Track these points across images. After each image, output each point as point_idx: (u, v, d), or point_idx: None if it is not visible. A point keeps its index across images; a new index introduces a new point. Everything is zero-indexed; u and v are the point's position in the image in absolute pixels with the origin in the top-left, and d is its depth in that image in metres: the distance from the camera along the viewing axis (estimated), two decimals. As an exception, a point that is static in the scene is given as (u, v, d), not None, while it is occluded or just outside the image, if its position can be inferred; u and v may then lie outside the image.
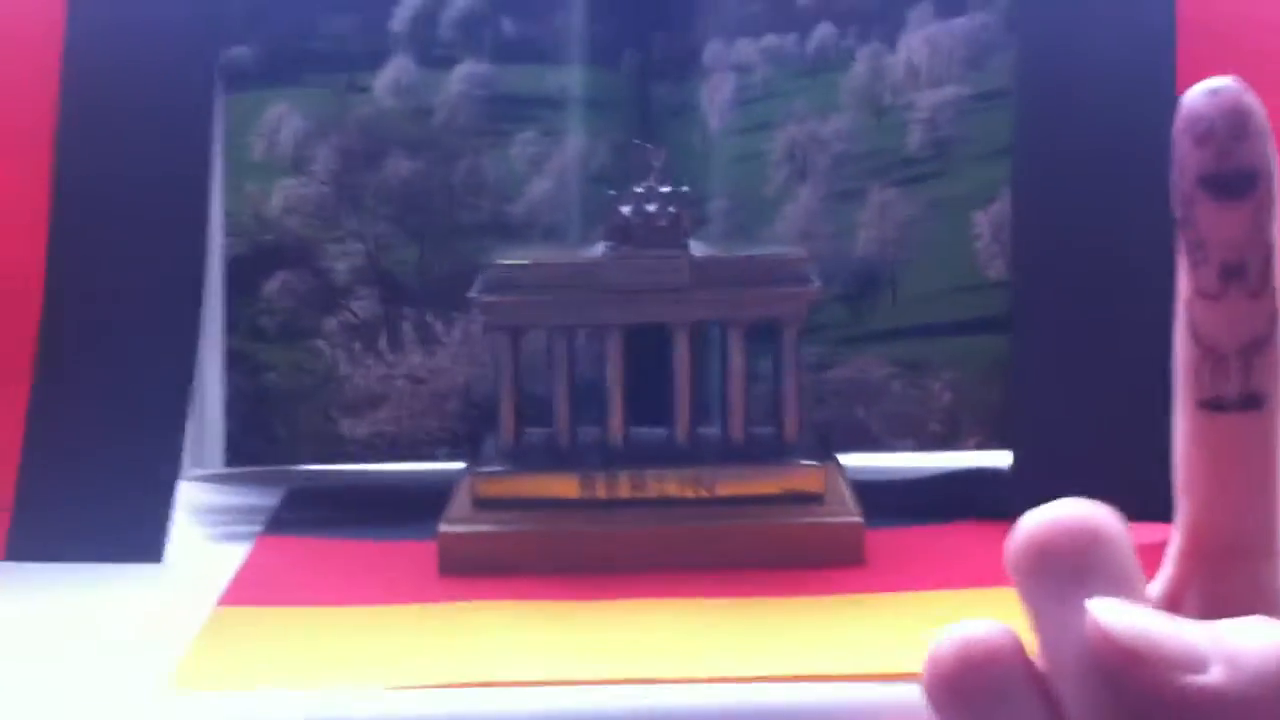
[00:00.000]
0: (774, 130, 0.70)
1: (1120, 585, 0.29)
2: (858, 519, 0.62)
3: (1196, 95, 0.31)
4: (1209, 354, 0.31)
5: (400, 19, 0.69)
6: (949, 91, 0.68)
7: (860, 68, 0.69)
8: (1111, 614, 0.28)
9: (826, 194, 0.70)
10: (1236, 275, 0.31)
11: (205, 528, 0.67)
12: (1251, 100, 0.31)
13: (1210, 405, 0.31)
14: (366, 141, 0.69)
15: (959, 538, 0.64)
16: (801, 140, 0.70)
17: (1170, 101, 0.68)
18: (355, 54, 0.69)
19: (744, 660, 0.52)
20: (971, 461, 0.70)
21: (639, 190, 0.63)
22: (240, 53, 0.69)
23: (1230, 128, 0.30)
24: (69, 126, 0.65)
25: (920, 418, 0.70)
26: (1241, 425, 0.31)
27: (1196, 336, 0.31)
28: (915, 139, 0.69)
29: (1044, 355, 0.65)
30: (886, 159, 0.69)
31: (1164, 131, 0.65)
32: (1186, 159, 0.31)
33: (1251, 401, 0.31)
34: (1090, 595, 0.28)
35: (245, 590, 0.60)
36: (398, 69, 0.69)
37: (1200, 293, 0.31)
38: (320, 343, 0.70)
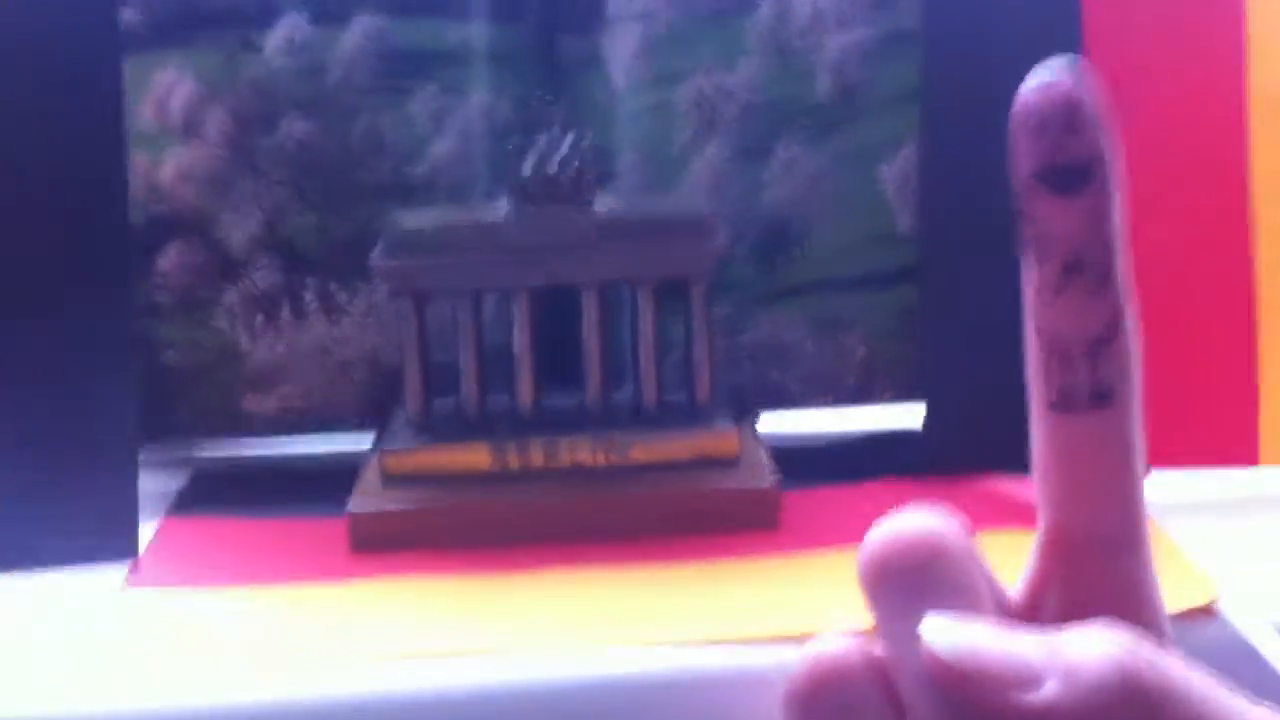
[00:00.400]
0: (680, 82, 0.68)
1: (964, 598, 0.29)
2: (773, 482, 0.62)
3: (1029, 86, 0.30)
4: (1055, 352, 0.31)
5: (291, -27, 0.67)
6: (856, 34, 0.67)
7: (766, 11, 0.67)
8: (942, 634, 0.28)
9: (735, 147, 0.68)
10: (1077, 271, 0.30)
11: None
12: (1085, 90, 0.30)
13: (1060, 405, 0.31)
14: (260, 103, 0.67)
15: (874, 496, 0.63)
16: (709, 91, 0.68)
17: (1077, 47, 0.67)
18: (245, 12, 0.67)
19: (659, 627, 0.52)
20: (887, 420, 0.69)
21: (540, 146, 0.61)
22: (126, 15, 0.66)
23: (1063, 120, 0.29)
24: None
25: (835, 373, 0.69)
26: (1093, 423, 0.30)
27: (1042, 333, 0.31)
28: (823, 85, 0.67)
29: (953, 308, 0.64)
30: (794, 107, 0.68)
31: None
32: (1021, 153, 0.30)
33: (1101, 399, 0.30)
34: (930, 610, 0.28)
35: (153, 572, 0.58)
36: (290, 26, 0.67)
37: (1043, 289, 0.30)
38: (220, 316, 0.68)
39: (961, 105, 0.64)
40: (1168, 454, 0.63)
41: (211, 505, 0.65)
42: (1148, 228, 0.61)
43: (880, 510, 0.63)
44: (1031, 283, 0.31)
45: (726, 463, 0.62)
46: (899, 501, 0.61)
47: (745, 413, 0.68)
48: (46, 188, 0.60)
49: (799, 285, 0.69)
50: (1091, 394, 0.30)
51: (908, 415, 0.68)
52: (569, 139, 0.61)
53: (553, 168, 0.61)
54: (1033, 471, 0.31)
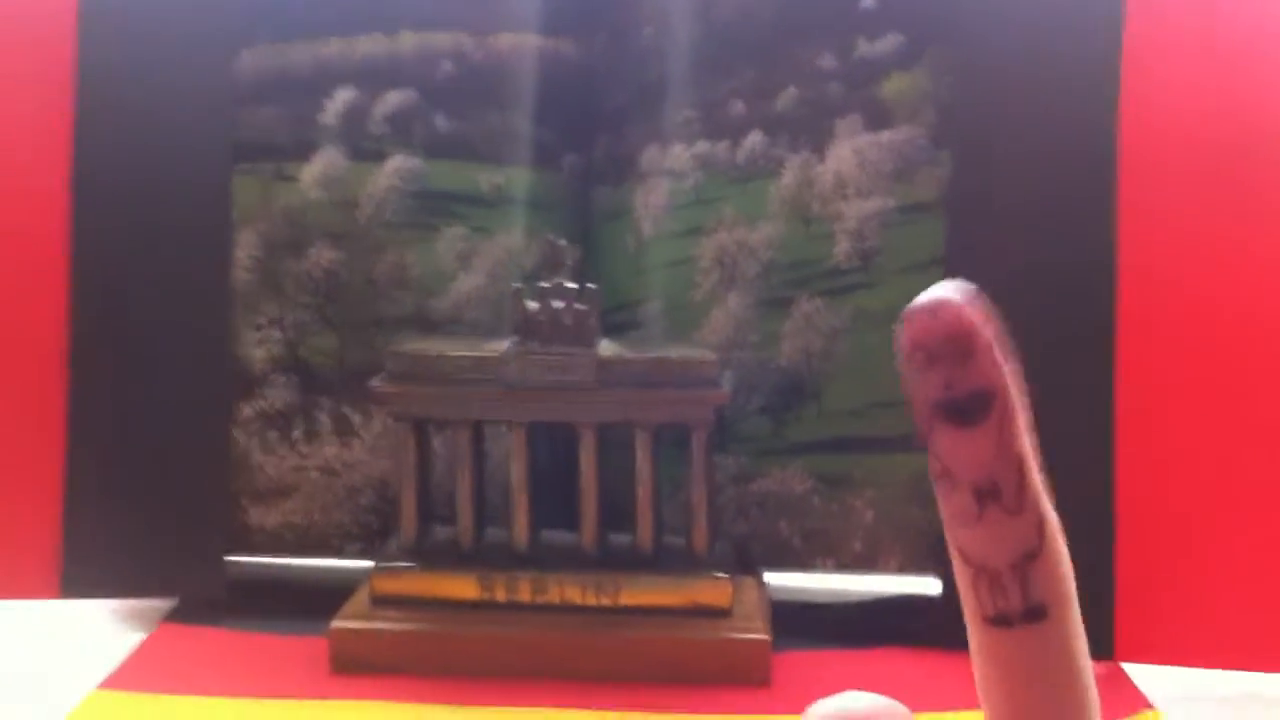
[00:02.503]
0: (704, 236, 0.70)
1: None
2: (764, 637, 0.61)
3: (917, 315, 0.28)
4: (982, 572, 0.30)
5: (331, 112, 0.70)
6: (875, 203, 0.68)
7: (789, 177, 0.69)
8: None
9: (754, 301, 0.69)
10: (992, 496, 0.29)
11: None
12: (973, 315, 0.28)
13: (994, 621, 0.30)
14: (291, 230, 0.69)
15: (875, 663, 0.62)
16: (730, 247, 0.69)
17: (1109, 226, 0.67)
18: (283, 144, 0.69)
19: None
20: (898, 587, 0.68)
21: (546, 286, 0.62)
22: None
23: (955, 352, 0.28)
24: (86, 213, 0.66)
25: (842, 534, 0.68)
26: (1028, 637, 0.30)
27: (965, 558, 0.30)
28: (842, 249, 0.68)
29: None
30: (813, 269, 0.69)
31: (1101, 256, 0.64)
32: (916, 386, 0.28)
33: (1034, 614, 0.30)
34: None
35: (129, 676, 0.58)
36: (326, 160, 0.69)
37: (961, 516, 0.30)
38: (234, 430, 0.69)
39: (983, 274, 0.64)
40: (1210, 655, 0.61)
41: (208, 615, 0.65)
42: (1193, 422, 0.61)
43: (878, 675, 0.62)
44: (947, 509, 0.29)
45: (718, 612, 0.62)
46: (903, 670, 0.60)
47: (747, 566, 0.67)
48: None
49: (810, 441, 0.69)
50: (1025, 612, 0.30)
51: (917, 588, 0.67)
52: (574, 282, 0.62)
53: (557, 308, 0.62)
54: (976, 682, 0.31)
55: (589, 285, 0.62)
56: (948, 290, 0.28)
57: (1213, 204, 0.63)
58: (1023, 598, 0.30)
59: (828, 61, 0.69)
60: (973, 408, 0.28)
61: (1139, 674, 0.61)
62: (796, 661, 0.62)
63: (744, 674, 0.60)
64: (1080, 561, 0.66)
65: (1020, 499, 0.30)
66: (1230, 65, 0.64)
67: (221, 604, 0.66)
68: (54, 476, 0.64)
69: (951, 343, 0.28)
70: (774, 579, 0.68)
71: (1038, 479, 0.30)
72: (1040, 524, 0.30)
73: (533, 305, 0.62)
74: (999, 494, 0.29)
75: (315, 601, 0.63)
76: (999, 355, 0.28)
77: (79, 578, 0.64)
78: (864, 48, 0.68)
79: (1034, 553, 0.30)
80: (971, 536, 0.30)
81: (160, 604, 0.66)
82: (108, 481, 0.65)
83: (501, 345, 0.62)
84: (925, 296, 0.28)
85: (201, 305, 0.67)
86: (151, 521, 0.65)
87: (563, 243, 0.63)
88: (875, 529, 0.68)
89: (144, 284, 0.66)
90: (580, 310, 0.62)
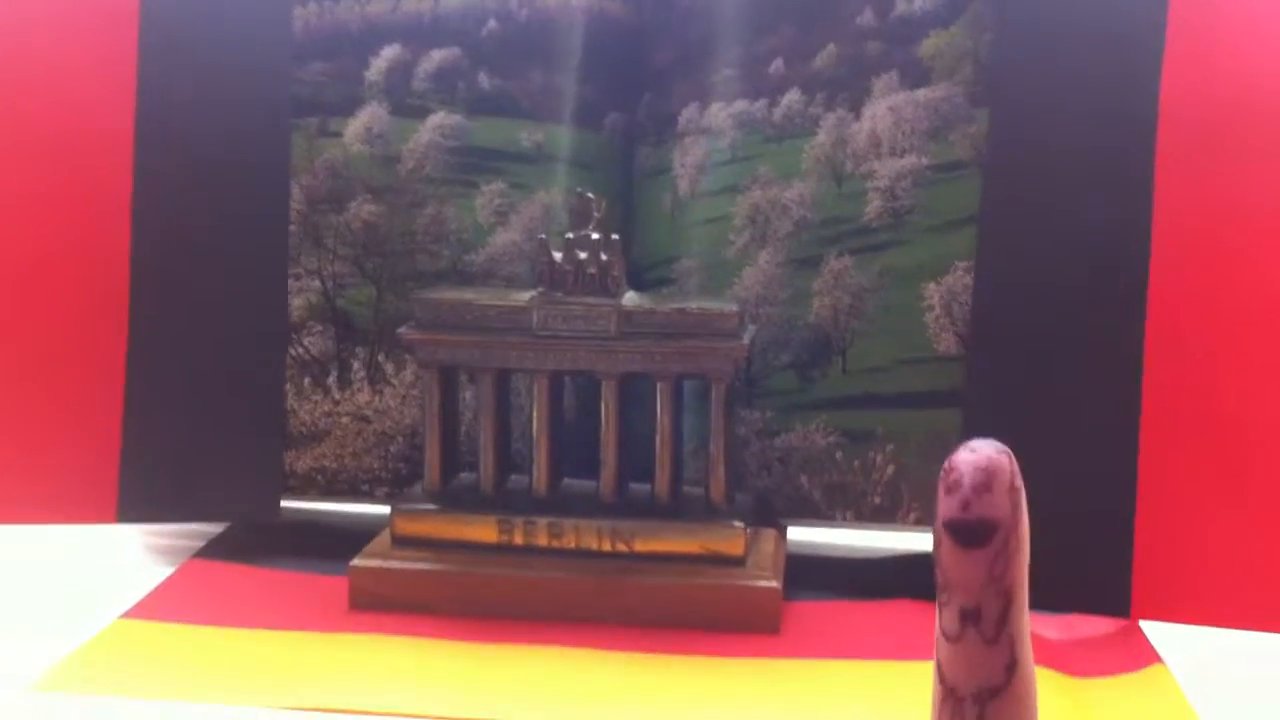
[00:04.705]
0: (739, 194, 0.70)
1: None
2: (774, 585, 0.61)
3: (958, 451, 0.35)
4: (950, 694, 0.34)
5: (376, 69, 0.71)
6: (909, 161, 0.68)
7: (824, 135, 0.69)
8: None
9: (785, 259, 0.69)
10: (973, 620, 0.34)
11: (149, 552, 0.69)
12: (1003, 461, 0.35)
13: None
14: (333, 184, 0.71)
15: (887, 613, 0.62)
16: (764, 205, 0.70)
17: (1147, 184, 0.66)
18: (330, 100, 0.71)
19: (634, 713, 0.52)
20: (914, 542, 0.68)
21: (571, 237, 0.63)
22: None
23: (976, 482, 0.34)
24: (149, 144, 0.68)
25: (862, 489, 0.68)
26: None
27: (941, 675, 0.34)
28: (874, 207, 0.68)
29: (998, 433, 0.64)
30: (844, 226, 0.69)
31: (1137, 214, 0.64)
32: (938, 504, 0.35)
33: None
34: None
35: (152, 607, 0.61)
36: (370, 116, 0.71)
37: (944, 633, 0.34)
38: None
39: (1017, 233, 0.64)
40: (1226, 614, 0.61)
41: (237, 553, 0.67)
42: (1220, 381, 0.60)
43: (885, 625, 0.62)
44: (938, 622, 0.34)
45: (732, 561, 0.62)
46: (914, 620, 0.60)
47: (767, 518, 0.67)
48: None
49: (835, 397, 0.69)
50: None
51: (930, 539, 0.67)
52: (600, 233, 0.63)
53: (581, 258, 0.63)
54: None
55: (613, 236, 0.63)
56: (989, 441, 0.35)
57: (1250, 165, 0.62)
58: None
59: (867, 19, 0.69)
60: (978, 533, 0.34)
61: (1155, 631, 0.60)
62: (808, 611, 0.62)
63: (755, 621, 0.61)
64: (1100, 519, 0.66)
65: (998, 631, 0.34)
66: (1275, 25, 0.63)
67: (272, 531, 0.69)
68: (114, 404, 0.67)
69: (978, 474, 0.34)
70: (794, 533, 0.69)
71: (1022, 622, 0.33)
72: (1011, 664, 0.34)
73: (558, 255, 0.63)
74: (980, 619, 0.34)
75: (342, 544, 0.65)
76: (1014, 501, 0.34)
77: (136, 503, 0.67)
78: (903, 6, 0.68)
79: (998, 688, 0.34)
80: (949, 654, 0.34)
81: (213, 529, 0.70)
82: (167, 412, 0.67)
83: (525, 296, 0.63)
84: (972, 440, 0.35)
85: (258, 248, 0.69)
86: (207, 454, 0.68)
87: (590, 195, 0.64)
88: (894, 483, 0.68)
89: (205, 226, 0.68)
90: (604, 261, 0.63)
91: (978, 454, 0.34)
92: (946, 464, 0.35)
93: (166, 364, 0.67)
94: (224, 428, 0.68)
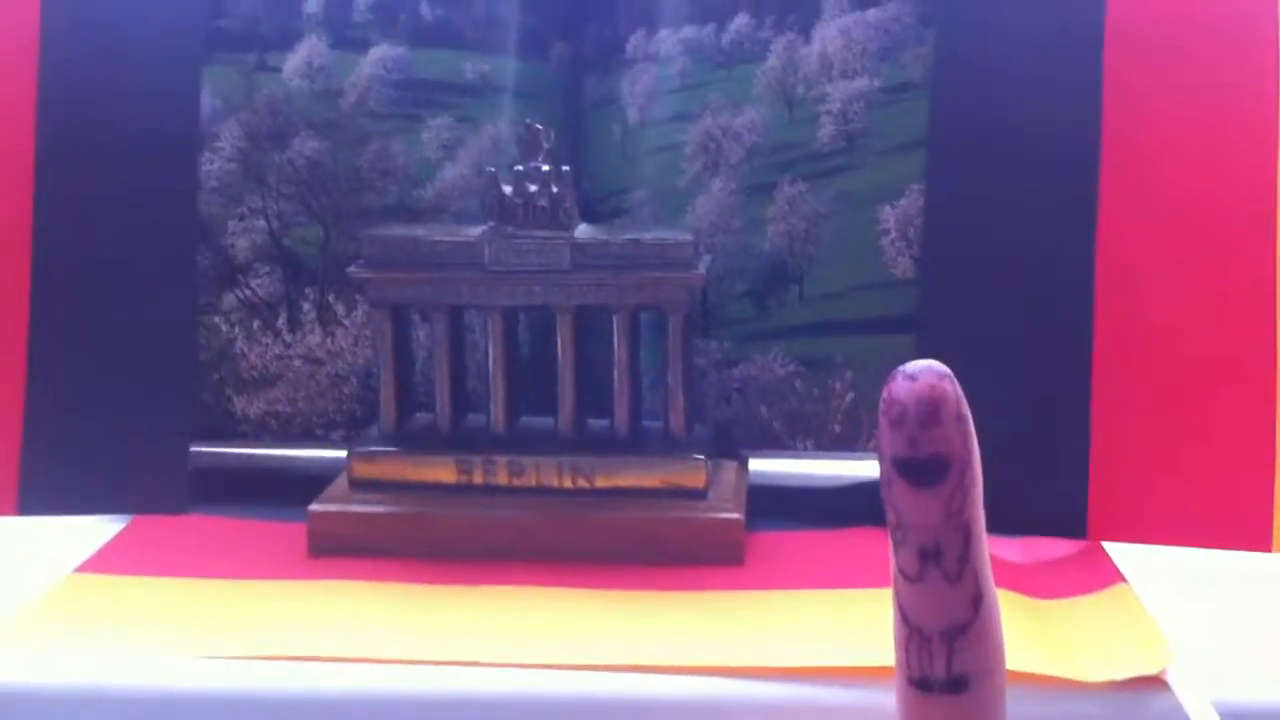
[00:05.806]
0: (689, 122, 0.69)
1: None
2: (737, 516, 0.61)
3: (897, 377, 0.33)
4: (915, 633, 0.32)
5: (314, 2, 0.69)
6: (860, 84, 0.67)
7: (774, 59, 0.68)
8: None
9: (737, 187, 0.68)
10: (934, 559, 0.32)
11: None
12: (947, 387, 0.32)
13: (919, 685, 0.32)
14: (274, 120, 0.69)
15: (849, 542, 0.62)
16: (715, 133, 0.69)
17: (1094, 104, 0.66)
18: (266, 34, 0.69)
19: (604, 648, 0.51)
20: (876, 470, 0.68)
21: (520, 169, 0.62)
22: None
23: (922, 415, 0.32)
24: (51, 87, 0.65)
25: (822, 417, 0.68)
26: (947, 704, 0.32)
27: (903, 615, 0.32)
28: (826, 132, 0.67)
29: (951, 357, 0.63)
30: (797, 151, 0.68)
31: (1085, 134, 0.64)
32: (883, 441, 0.32)
33: (957, 684, 0.32)
34: None
35: (105, 560, 0.60)
36: (309, 50, 0.69)
37: (902, 573, 0.32)
38: (217, 319, 0.70)
39: (968, 154, 0.64)
40: (1182, 533, 0.61)
41: (190, 503, 0.66)
42: (1171, 301, 0.60)
43: (849, 554, 0.62)
44: (895, 563, 0.32)
45: (693, 494, 0.62)
46: (876, 548, 0.60)
47: (727, 449, 0.67)
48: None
49: (793, 325, 0.68)
50: (947, 681, 0.32)
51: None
52: (549, 164, 0.62)
53: (532, 191, 0.61)
54: None
55: (564, 168, 0.62)
56: (927, 364, 0.33)
57: (1199, 80, 0.62)
58: (947, 667, 0.32)
59: (817, -62, 0.68)
60: (931, 470, 0.32)
61: (1114, 551, 0.60)
62: (771, 541, 0.62)
63: (718, 553, 0.60)
64: (1054, 439, 0.66)
65: (960, 567, 0.32)
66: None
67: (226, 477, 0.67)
68: (15, 391, 0.64)
69: (922, 405, 0.32)
70: (755, 464, 0.69)
71: (983, 555, 0.32)
72: (976, 598, 0.32)
73: (507, 189, 0.62)
74: (941, 557, 0.32)
75: (297, 490, 0.63)
76: (963, 430, 0.32)
77: (37, 495, 0.64)
78: (852, -76, 0.67)
79: (965, 625, 0.32)
80: (910, 595, 0.32)
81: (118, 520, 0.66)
82: (69, 396, 0.65)
83: (475, 230, 0.62)
84: (908, 365, 0.33)
85: (166, 206, 0.66)
86: (110, 446, 0.65)
87: (539, 126, 0.63)
88: (854, 410, 0.68)
89: (108, 186, 0.65)
90: (555, 194, 0.62)
91: (919, 381, 0.32)
92: (885, 393, 0.33)
93: (69, 352, 0.65)
94: (127, 418, 0.65)
